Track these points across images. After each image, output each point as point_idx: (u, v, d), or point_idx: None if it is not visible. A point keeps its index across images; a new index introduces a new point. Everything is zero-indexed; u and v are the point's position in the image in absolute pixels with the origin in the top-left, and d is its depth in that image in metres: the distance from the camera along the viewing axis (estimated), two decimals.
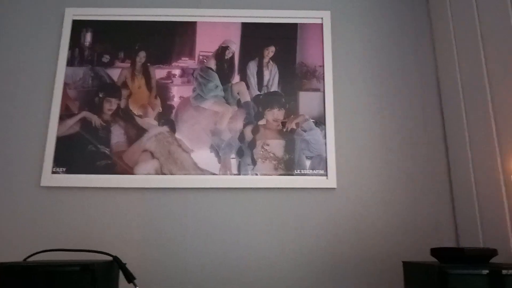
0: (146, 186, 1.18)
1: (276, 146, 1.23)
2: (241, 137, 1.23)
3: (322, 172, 1.21)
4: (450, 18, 1.21)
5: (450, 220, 1.19)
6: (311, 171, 1.21)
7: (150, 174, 1.19)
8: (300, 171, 1.21)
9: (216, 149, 1.22)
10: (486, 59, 1.02)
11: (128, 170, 1.19)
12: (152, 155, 1.21)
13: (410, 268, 0.95)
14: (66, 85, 1.25)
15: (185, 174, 1.20)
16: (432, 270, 0.80)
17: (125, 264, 0.92)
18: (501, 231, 0.94)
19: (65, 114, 1.23)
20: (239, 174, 1.20)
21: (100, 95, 1.24)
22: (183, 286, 1.13)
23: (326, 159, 1.22)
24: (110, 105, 1.24)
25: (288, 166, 1.21)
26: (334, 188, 1.21)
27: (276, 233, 1.17)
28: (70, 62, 1.26)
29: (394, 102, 1.27)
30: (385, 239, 1.17)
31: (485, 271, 0.77)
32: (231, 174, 1.20)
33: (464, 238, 1.11)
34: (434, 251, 0.82)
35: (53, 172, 1.18)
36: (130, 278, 0.92)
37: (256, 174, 1.20)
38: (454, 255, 0.80)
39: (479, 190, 1.05)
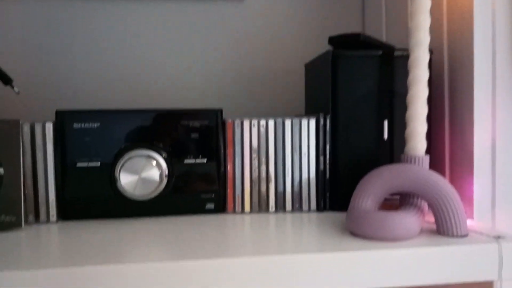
0: None
1: None
2: None
3: None
4: None
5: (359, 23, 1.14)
6: None
7: None
8: None
9: None
10: None
11: None
12: None
13: (309, 67, 0.91)
14: None
15: None
16: (326, 56, 0.75)
17: None
18: None
19: None
20: None
21: None
22: (73, 99, 1.04)
23: None
24: None
25: None
26: (242, 0, 1.10)
27: (181, 47, 1.08)
28: None
29: None
30: (292, 48, 1.11)
31: (379, 52, 0.73)
32: None
33: None
34: (331, 40, 0.77)
35: None
36: (6, 80, 0.81)
37: None
38: (351, 42, 0.76)
39: None
